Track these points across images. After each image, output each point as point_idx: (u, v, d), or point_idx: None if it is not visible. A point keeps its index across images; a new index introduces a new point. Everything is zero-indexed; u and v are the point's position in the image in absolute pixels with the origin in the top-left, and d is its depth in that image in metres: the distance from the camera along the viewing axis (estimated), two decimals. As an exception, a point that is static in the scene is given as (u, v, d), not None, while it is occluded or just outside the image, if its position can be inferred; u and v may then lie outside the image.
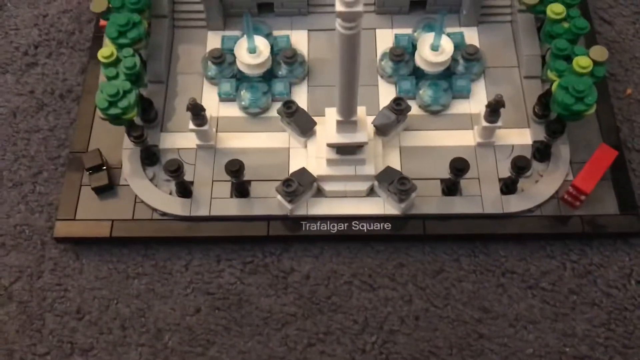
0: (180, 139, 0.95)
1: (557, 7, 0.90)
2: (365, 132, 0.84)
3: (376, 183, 0.89)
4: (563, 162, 0.92)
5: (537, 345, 0.85)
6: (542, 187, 0.91)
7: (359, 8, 0.63)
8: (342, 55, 0.70)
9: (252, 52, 0.96)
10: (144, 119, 0.95)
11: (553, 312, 0.87)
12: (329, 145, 0.85)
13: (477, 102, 0.97)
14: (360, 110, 0.84)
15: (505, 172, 0.90)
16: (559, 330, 0.86)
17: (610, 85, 1.02)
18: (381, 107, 0.96)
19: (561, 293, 0.88)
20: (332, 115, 0.83)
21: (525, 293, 0.89)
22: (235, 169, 0.85)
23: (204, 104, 0.96)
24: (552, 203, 0.91)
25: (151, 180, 0.92)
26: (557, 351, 0.85)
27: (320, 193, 0.91)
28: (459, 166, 0.85)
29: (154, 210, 0.91)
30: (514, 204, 0.90)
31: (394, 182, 0.86)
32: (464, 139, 0.94)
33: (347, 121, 0.81)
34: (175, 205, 0.90)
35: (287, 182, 0.86)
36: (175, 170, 0.85)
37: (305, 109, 0.96)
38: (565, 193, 0.90)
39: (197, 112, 0.88)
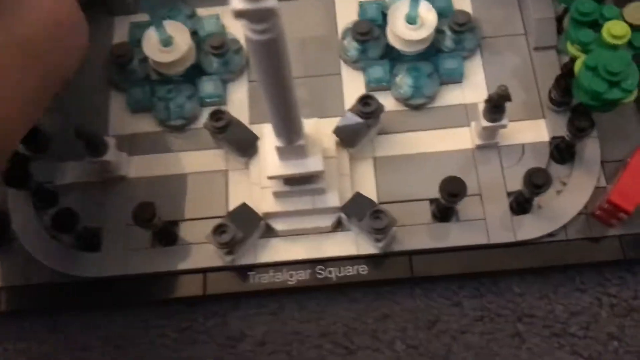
0: (82, 171, 0.71)
1: (576, -48, 0.64)
2: (318, 157, 0.60)
3: (344, 216, 0.66)
4: (593, 162, 0.69)
5: (570, 415, 0.65)
6: (565, 201, 0.68)
7: (271, 3, 0.38)
8: (260, 68, 0.46)
9: (166, 45, 0.71)
10: (29, 149, 0.71)
11: (588, 367, 0.66)
12: (272, 178, 0.61)
13: (473, 86, 0.74)
14: (310, 126, 0.60)
15: (514, 183, 0.67)
16: (597, 392, 0.65)
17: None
18: (347, 103, 0.72)
19: (598, 340, 0.67)
20: (269, 138, 0.59)
21: (551, 343, 0.67)
22: (148, 217, 0.62)
23: (111, 117, 0.73)
24: (580, 221, 0.68)
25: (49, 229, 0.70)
26: (597, 422, 0.64)
27: (271, 232, 0.68)
28: (453, 191, 0.62)
29: (53, 271, 0.68)
30: (529, 227, 0.67)
31: (365, 217, 0.63)
32: (459, 140, 0.71)
33: (291, 147, 0.58)
34: (79, 264, 0.68)
35: (220, 229, 0.63)
36: (72, 219, 0.62)
37: (247, 113, 0.72)
38: (597, 208, 0.66)
39: (89, 140, 0.64)
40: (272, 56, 0.44)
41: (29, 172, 0.67)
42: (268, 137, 0.59)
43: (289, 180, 0.62)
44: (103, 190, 0.71)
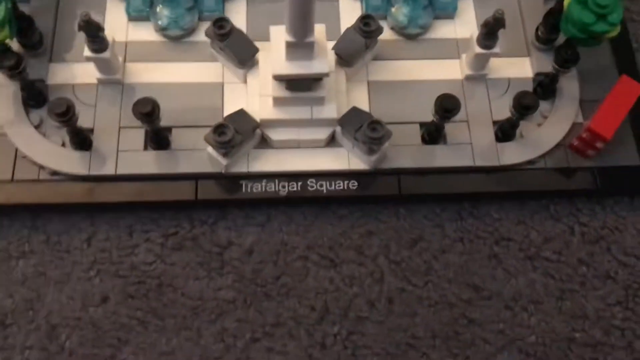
0: (75, 72, 0.71)
1: None
2: (325, 60, 0.62)
3: (339, 129, 0.68)
4: (572, 99, 0.73)
5: (540, 330, 0.68)
6: (546, 132, 0.72)
7: None
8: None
9: (169, -48, 0.72)
10: (22, 44, 0.70)
11: (559, 288, 0.70)
12: (277, 77, 0.63)
13: (464, 23, 0.78)
14: (319, 30, 0.62)
15: (500, 113, 0.71)
16: (566, 311, 0.69)
17: (623, 4, 0.82)
18: (343, 29, 0.74)
19: (569, 264, 0.71)
20: (279, 35, 0.60)
21: (525, 265, 0.71)
22: (147, 110, 0.62)
23: (109, 25, 0.72)
24: (559, 152, 0.72)
25: (37, 127, 0.69)
26: (565, 337, 0.68)
27: (265, 143, 0.69)
28: (449, 106, 0.65)
29: (42, 167, 0.67)
30: (512, 153, 0.71)
31: (362, 127, 0.65)
32: (449, 71, 0.75)
33: (301, 43, 0.59)
34: (70, 161, 0.68)
35: (220, 129, 0.64)
36: (64, 113, 0.62)
37: (244, 30, 0.73)
38: (575, 139, 0.71)
39: (92, 32, 0.64)
40: None
41: (23, 67, 0.66)
42: (277, 34, 0.60)
43: (292, 84, 0.64)
44: (96, 92, 0.70)
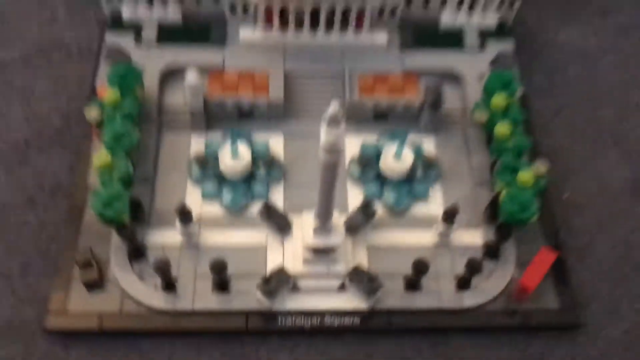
0: (165, 236, 1.03)
1: (502, 127, 1.04)
2: (339, 236, 0.94)
3: (347, 280, 0.98)
4: (510, 261, 1.04)
5: None
6: (492, 284, 1.02)
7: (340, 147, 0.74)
8: (324, 176, 0.81)
9: (234, 157, 1.06)
10: (133, 218, 1.02)
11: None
12: (306, 246, 0.94)
13: (434, 205, 1.09)
14: (335, 217, 0.94)
15: (461, 269, 1.01)
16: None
17: (551, 191, 1.16)
18: (349, 206, 1.07)
19: (511, 380, 0.99)
20: (309, 220, 0.93)
21: (479, 378, 0.98)
22: (219, 267, 0.93)
23: (188, 202, 1.05)
24: (502, 298, 1.02)
25: (138, 275, 0.99)
26: None
27: (295, 289, 0.99)
28: (421, 267, 0.95)
29: (140, 304, 0.97)
30: (468, 299, 1.00)
31: (363, 279, 0.96)
32: (424, 239, 1.05)
33: (324, 226, 0.91)
34: (160, 300, 0.97)
35: (266, 280, 0.95)
36: (164, 267, 0.93)
37: (282, 206, 1.06)
38: (513, 290, 1.01)
39: (186, 215, 0.96)
40: (334, 171, 0.79)
41: (135, 236, 0.98)
42: (308, 219, 0.92)
43: (316, 250, 0.95)
44: (180, 252, 1.02)
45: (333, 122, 0.73)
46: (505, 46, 1.23)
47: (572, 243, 1.11)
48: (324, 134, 0.74)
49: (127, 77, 1.05)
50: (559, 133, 1.24)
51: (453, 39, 1.23)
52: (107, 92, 1.02)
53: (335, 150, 0.76)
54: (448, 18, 1.23)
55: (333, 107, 0.71)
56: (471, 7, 1.22)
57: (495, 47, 1.22)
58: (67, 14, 1.31)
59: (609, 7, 1.41)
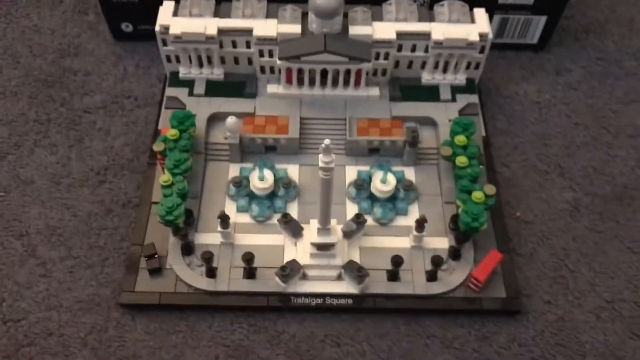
0: (209, 237, 1.37)
1: (462, 159, 1.38)
2: (336, 236, 1.28)
3: (342, 271, 1.32)
4: (468, 260, 1.36)
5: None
6: (454, 277, 1.34)
7: (332, 165, 1.09)
8: (322, 189, 1.16)
9: (261, 180, 1.41)
10: (185, 223, 1.38)
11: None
12: (312, 244, 1.29)
13: (412, 218, 1.42)
14: (333, 222, 1.28)
15: (430, 266, 1.34)
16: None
17: (506, 209, 1.49)
18: (348, 217, 1.41)
19: (467, 351, 1.29)
20: (314, 224, 1.27)
21: (443, 351, 1.29)
22: (248, 258, 1.28)
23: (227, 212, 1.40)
24: (461, 289, 1.34)
25: (188, 265, 1.34)
26: (463, 389, 1.25)
27: (304, 276, 1.33)
28: (398, 260, 1.29)
29: (189, 286, 1.32)
30: (436, 287, 1.33)
31: (354, 270, 1.29)
32: (403, 243, 1.38)
33: (324, 229, 1.26)
34: (204, 283, 1.32)
35: (283, 268, 1.29)
36: (209, 258, 1.28)
37: (296, 218, 1.40)
38: (468, 281, 1.33)
39: (225, 220, 1.32)
40: (329, 186, 1.14)
41: (187, 235, 1.33)
42: (314, 224, 1.27)
43: (319, 247, 1.29)
44: (219, 249, 1.36)
45: (326, 151, 1.08)
46: (472, 98, 1.58)
47: (521, 250, 1.43)
48: (321, 160, 1.10)
49: (184, 121, 1.42)
50: (515, 165, 1.57)
51: (431, 93, 1.58)
52: (170, 131, 1.39)
53: (328, 170, 1.11)
54: (427, 77, 1.59)
55: (326, 142, 1.07)
56: (445, 69, 1.58)
57: (464, 99, 1.57)
58: (135, 72, 1.70)
59: (560, 68, 1.76)
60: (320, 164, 1.10)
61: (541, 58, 1.78)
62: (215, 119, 1.53)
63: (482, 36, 1.51)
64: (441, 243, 1.39)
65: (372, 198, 1.44)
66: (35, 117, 1.60)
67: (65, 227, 1.42)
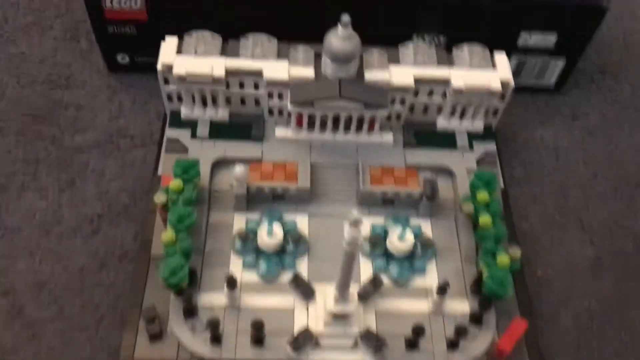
0: (213, 298, 1.27)
1: (485, 218, 1.30)
2: (354, 305, 1.19)
3: (359, 340, 1.23)
4: (490, 326, 1.29)
5: None
6: (476, 345, 1.26)
7: (360, 241, 1.01)
8: (345, 261, 1.06)
9: (269, 235, 1.32)
10: (189, 283, 1.28)
11: None
12: (329, 313, 1.19)
13: (430, 278, 1.34)
14: (351, 291, 1.19)
15: (451, 332, 1.25)
16: None
17: (526, 267, 1.41)
18: (361, 276, 1.32)
19: None
20: (331, 292, 1.18)
21: None
22: (258, 327, 1.18)
23: (231, 269, 1.30)
24: (484, 358, 1.26)
25: (191, 329, 1.24)
26: None
27: (317, 344, 1.24)
28: (419, 330, 1.20)
29: (193, 353, 1.22)
30: (457, 358, 1.25)
31: (372, 340, 1.20)
32: (421, 307, 1.30)
33: (342, 296, 1.17)
34: (208, 350, 1.22)
35: (295, 338, 1.20)
36: (216, 326, 1.18)
37: (306, 275, 1.31)
38: (494, 353, 1.25)
39: (232, 283, 1.22)
40: (352, 257, 1.05)
41: (192, 298, 1.23)
42: (329, 291, 1.18)
43: (336, 315, 1.20)
44: (224, 312, 1.26)
45: (354, 224, 0.99)
46: (489, 146, 1.50)
47: (543, 312, 1.36)
48: (347, 232, 1.00)
49: (189, 170, 1.32)
50: (533, 217, 1.50)
51: (447, 139, 1.50)
52: (172, 182, 1.28)
53: (354, 244, 1.02)
54: (443, 123, 1.51)
55: (355, 214, 0.98)
56: (462, 115, 1.50)
57: (481, 147, 1.50)
58: (131, 107, 1.59)
59: (577, 112, 1.69)
60: (346, 237, 1.01)
61: (557, 101, 1.72)
62: (220, 164, 1.43)
63: (504, 83, 1.43)
64: (461, 306, 1.31)
65: (388, 255, 1.35)
66: (23, 156, 1.48)
67: (55, 283, 1.31)
